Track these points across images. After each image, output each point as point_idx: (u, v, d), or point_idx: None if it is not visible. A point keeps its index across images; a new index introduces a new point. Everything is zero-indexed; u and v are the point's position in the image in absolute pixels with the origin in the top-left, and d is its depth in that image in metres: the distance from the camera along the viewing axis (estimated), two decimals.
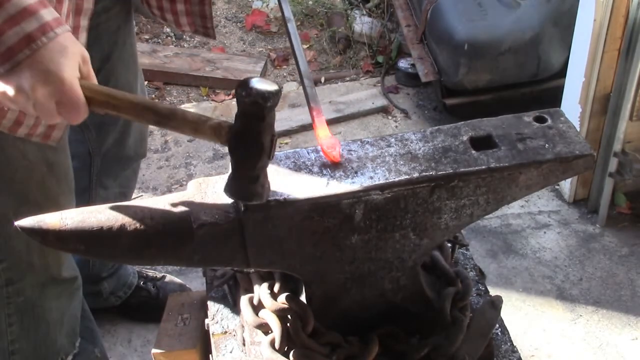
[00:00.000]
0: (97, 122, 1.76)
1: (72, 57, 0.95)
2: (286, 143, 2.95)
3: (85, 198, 1.80)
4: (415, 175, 0.97)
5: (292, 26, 1.22)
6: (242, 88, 0.86)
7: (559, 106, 2.44)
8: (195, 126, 0.93)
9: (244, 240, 0.95)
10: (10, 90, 0.93)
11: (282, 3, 1.24)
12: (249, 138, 0.88)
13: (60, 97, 0.93)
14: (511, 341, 1.17)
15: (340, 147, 1.00)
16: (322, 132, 1.03)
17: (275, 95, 0.87)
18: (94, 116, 1.74)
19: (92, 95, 0.96)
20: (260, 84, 0.86)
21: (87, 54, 0.99)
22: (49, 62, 0.92)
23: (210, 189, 1.00)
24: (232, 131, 0.90)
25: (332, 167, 0.99)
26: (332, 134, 1.03)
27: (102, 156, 1.82)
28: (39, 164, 1.31)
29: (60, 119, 0.97)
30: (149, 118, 0.94)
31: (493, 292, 1.24)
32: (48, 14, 0.93)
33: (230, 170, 0.91)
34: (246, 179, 0.91)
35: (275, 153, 1.01)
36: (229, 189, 0.92)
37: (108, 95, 0.96)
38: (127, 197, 2.01)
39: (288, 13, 1.24)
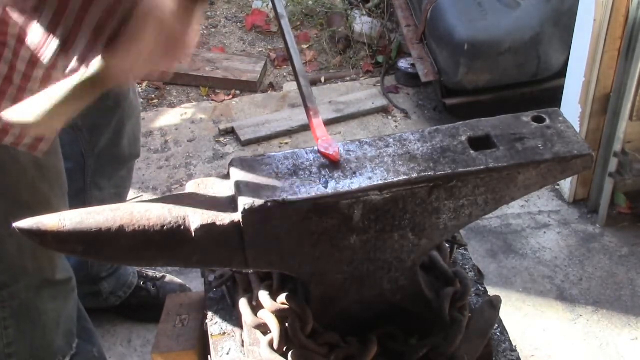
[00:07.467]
0: (90, 123, 1.76)
1: None
2: (286, 143, 2.95)
3: (80, 199, 1.80)
4: (414, 175, 0.96)
5: (285, 23, 1.18)
6: None
7: (559, 106, 2.44)
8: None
9: (242, 241, 0.94)
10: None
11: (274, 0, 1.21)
12: None
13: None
14: (510, 341, 1.17)
15: (337, 147, 1.00)
16: (320, 133, 1.03)
17: None
18: (87, 117, 1.76)
19: None
20: None
21: None
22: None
23: (209, 189, 1.00)
24: None
25: (330, 167, 0.98)
26: (329, 134, 1.03)
27: (96, 157, 1.82)
28: (30, 167, 1.31)
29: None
30: None
31: (493, 292, 1.24)
32: None
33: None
34: None
35: (275, 153, 1.01)
36: None
37: None
38: (123, 197, 2.01)
39: (281, 9, 1.19)
